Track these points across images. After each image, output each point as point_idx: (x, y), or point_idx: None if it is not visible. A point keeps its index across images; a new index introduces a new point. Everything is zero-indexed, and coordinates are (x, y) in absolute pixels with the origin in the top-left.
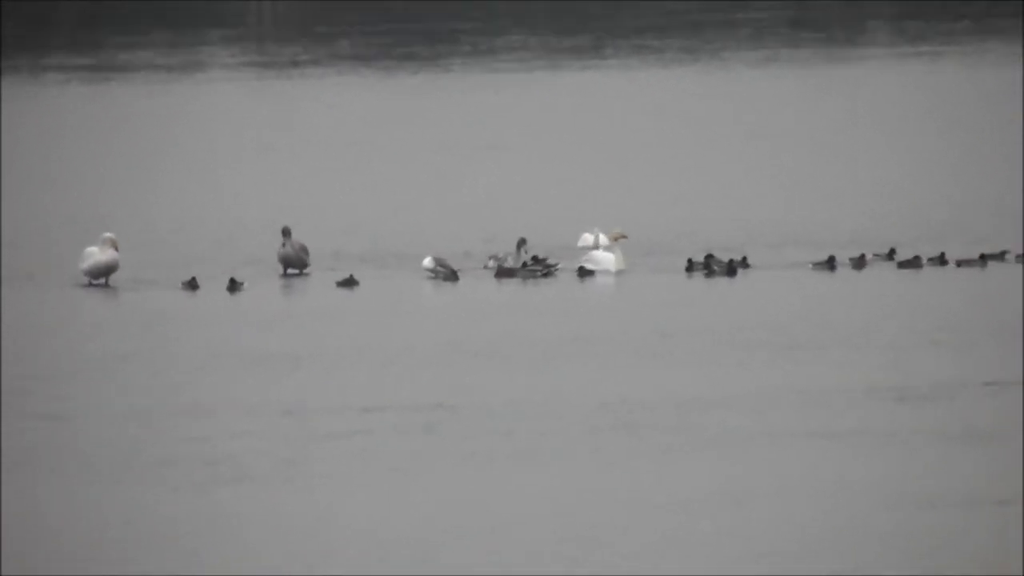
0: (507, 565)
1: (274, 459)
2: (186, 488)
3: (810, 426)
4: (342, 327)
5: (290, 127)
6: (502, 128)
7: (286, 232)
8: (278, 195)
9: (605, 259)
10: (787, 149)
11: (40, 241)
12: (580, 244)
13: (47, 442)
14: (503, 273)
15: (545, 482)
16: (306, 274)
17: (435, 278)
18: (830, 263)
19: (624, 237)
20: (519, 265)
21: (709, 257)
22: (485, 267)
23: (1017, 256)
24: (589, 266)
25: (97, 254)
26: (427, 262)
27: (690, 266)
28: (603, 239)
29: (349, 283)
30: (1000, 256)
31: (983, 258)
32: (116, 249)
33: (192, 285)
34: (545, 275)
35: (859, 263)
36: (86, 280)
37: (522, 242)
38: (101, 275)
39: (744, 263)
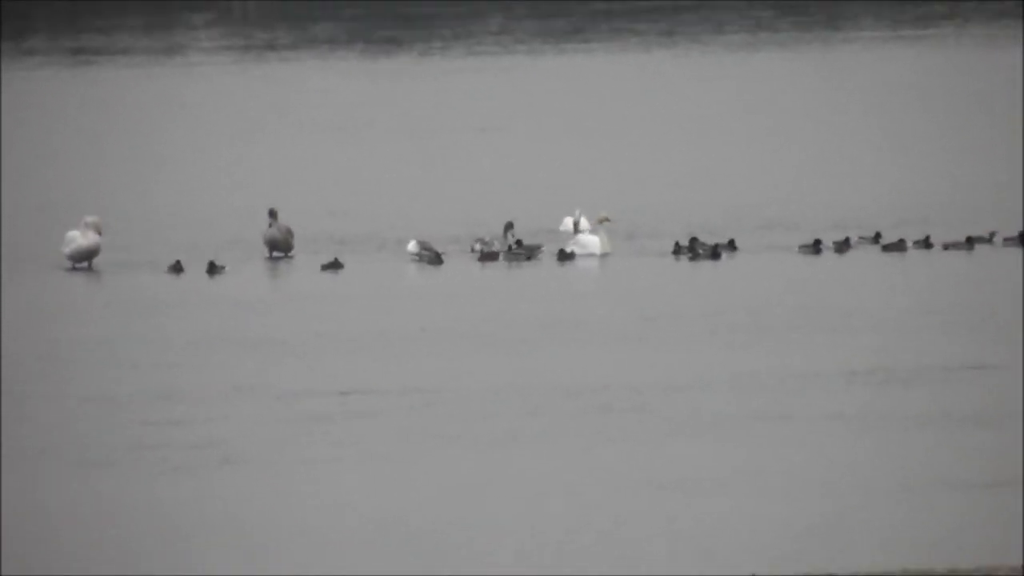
0: (491, 548)
1: (258, 442)
2: (168, 473)
3: (795, 409)
4: (326, 310)
5: (274, 110)
6: (485, 112)
7: (273, 214)
8: (262, 178)
9: (590, 242)
10: (772, 132)
11: (22, 225)
12: (562, 228)
13: (22, 427)
14: (487, 257)
15: (529, 465)
16: (291, 257)
17: (419, 261)
18: (815, 246)
19: (608, 220)
20: (505, 249)
21: (694, 240)
22: (472, 250)
23: (1005, 239)
24: (575, 249)
25: (79, 238)
26: (411, 246)
27: (677, 249)
28: (584, 222)
29: (334, 266)
30: (988, 239)
31: (970, 241)
32: (99, 233)
33: (177, 268)
34: (529, 259)
35: (844, 246)
36: (69, 264)
37: (509, 226)
38: (83, 259)
39: (732, 246)
